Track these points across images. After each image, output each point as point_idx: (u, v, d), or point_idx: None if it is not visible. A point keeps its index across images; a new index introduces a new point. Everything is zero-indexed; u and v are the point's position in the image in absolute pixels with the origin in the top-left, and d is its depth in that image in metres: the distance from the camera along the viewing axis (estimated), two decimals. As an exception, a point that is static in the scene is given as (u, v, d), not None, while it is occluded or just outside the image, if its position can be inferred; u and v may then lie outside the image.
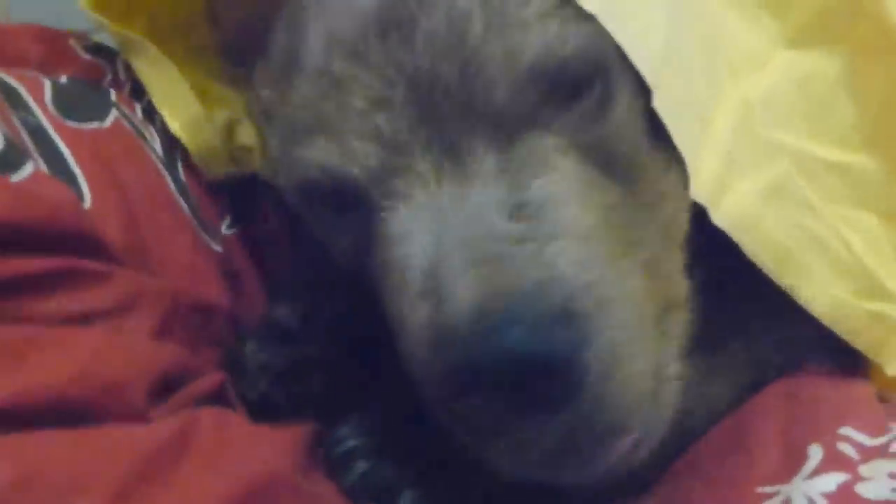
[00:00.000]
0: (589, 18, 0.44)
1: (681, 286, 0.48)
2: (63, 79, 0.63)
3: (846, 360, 0.53)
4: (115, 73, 0.69)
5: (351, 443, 0.50)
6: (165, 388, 0.47)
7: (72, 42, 0.69)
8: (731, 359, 0.54)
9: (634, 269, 0.44)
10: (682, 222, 0.49)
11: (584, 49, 0.44)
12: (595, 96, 0.45)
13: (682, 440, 0.51)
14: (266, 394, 0.53)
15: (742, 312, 0.52)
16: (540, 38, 0.43)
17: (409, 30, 0.44)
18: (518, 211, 0.42)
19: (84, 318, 0.46)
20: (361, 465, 0.49)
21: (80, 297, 0.46)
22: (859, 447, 0.47)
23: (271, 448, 0.48)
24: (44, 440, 0.40)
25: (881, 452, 0.46)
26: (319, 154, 0.46)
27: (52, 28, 0.70)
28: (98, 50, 0.69)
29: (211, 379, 0.51)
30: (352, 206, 0.47)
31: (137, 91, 0.67)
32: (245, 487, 0.43)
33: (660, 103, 0.45)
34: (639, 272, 0.44)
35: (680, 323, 0.47)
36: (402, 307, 0.44)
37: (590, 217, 0.43)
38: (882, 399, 0.52)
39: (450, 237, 0.42)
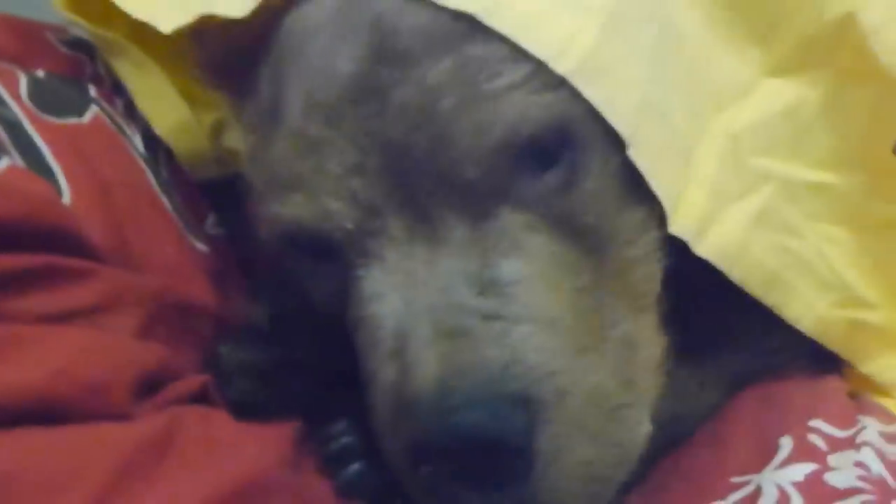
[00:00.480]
0: (562, 83, 0.45)
1: (654, 350, 0.49)
2: (40, 73, 0.63)
3: (825, 364, 0.55)
4: (95, 68, 0.68)
5: (345, 440, 0.51)
6: (148, 387, 0.47)
7: (49, 35, 0.68)
8: (724, 366, 0.55)
9: (602, 356, 0.46)
10: (655, 283, 0.50)
11: (553, 120, 0.45)
12: (564, 165, 0.46)
13: (672, 443, 0.53)
14: (246, 394, 0.53)
15: (728, 322, 0.54)
16: (509, 112, 0.44)
17: (382, 100, 0.44)
18: (488, 287, 0.44)
19: (65, 317, 0.46)
20: (355, 467, 0.50)
21: (60, 295, 0.46)
22: (828, 438, 0.48)
23: (259, 445, 0.48)
24: (25, 438, 0.40)
25: (849, 443, 0.48)
26: (298, 211, 0.47)
27: (29, 20, 0.69)
28: (77, 44, 0.68)
29: (195, 380, 0.51)
30: (329, 258, 0.48)
31: (118, 86, 0.67)
32: (233, 484, 0.43)
33: (638, 154, 0.46)
34: (606, 358, 0.46)
35: (653, 386, 0.49)
36: (372, 363, 0.46)
37: (559, 303, 0.45)
38: (852, 395, 0.54)
39: (419, 303, 0.44)
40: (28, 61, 0.64)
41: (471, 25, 0.45)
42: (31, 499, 0.38)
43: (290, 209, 0.47)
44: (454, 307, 0.43)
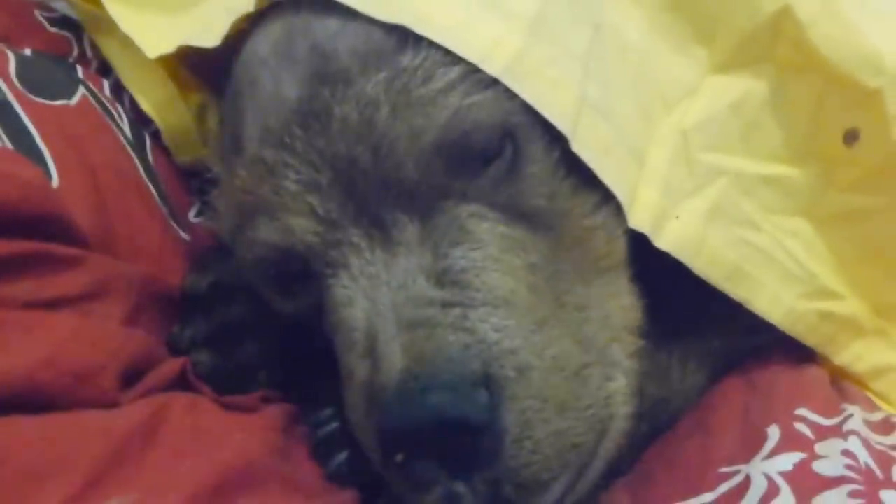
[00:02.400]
0: (495, 82, 0.47)
1: (610, 308, 0.50)
2: (27, 52, 0.62)
3: (803, 346, 0.55)
4: (82, 48, 0.67)
5: (333, 426, 0.52)
6: (134, 375, 0.47)
7: (37, 13, 0.67)
8: (706, 347, 0.56)
9: (559, 323, 0.47)
10: (619, 244, 0.51)
11: (487, 117, 0.47)
12: (506, 157, 0.48)
13: (659, 428, 0.54)
14: (207, 366, 0.54)
15: (707, 302, 0.54)
16: (442, 115, 0.46)
17: (326, 119, 0.47)
18: (443, 277, 0.46)
19: (53, 304, 0.46)
20: (342, 456, 0.51)
21: (49, 282, 0.46)
22: (815, 427, 0.49)
23: (246, 433, 0.48)
24: (15, 424, 0.40)
25: (836, 431, 0.48)
26: (264, 234, 0.49)
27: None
28: (64, 23, 0.68)
29: (174, 363, 0.52)
30: (299, 281, 0.50)
31: (105, 67, 0.66)
32: (221, 472, 0.43)
33: (581, 146, 0.47)
34: (564, 324, 0.47)
35: (615, 341, 0.50)
36: (348, 365, 0.48)
37: (512, 282, 0.46)
38: (834, 382, 0.55)
39: (383, 301, 0.46)
40: (16, 39, 0.63)
41: (402, 39, 0.47)
42: (21, 484, 0.38)
43: (258, 233, 0.50)
44: (414, 300, 0.45)
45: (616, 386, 0.48)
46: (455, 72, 0.47)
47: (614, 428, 0.48)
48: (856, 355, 0.55)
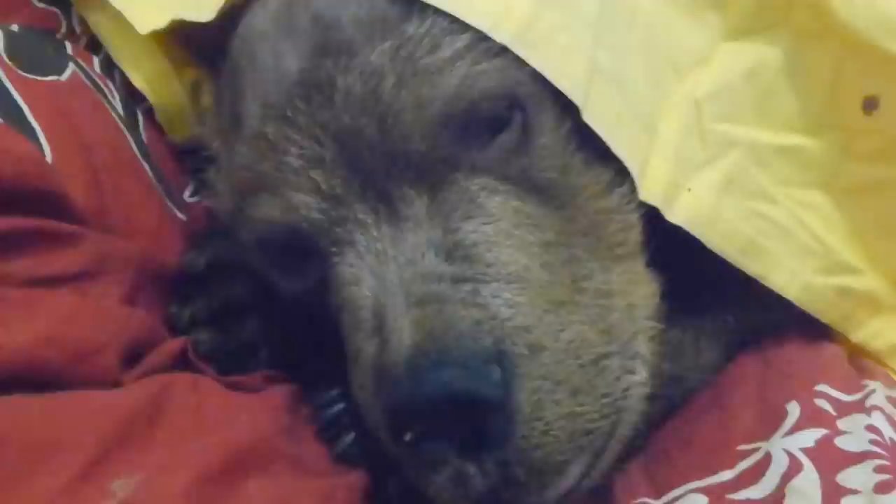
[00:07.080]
0: (503, 50, 0.45)
1: (635, 297, 0.49)
2: (14, 27, 0.60)
3: (818, 322, 0.54)
4: (70, 24, 0.66)
5: (339, 406, 0.51)
6: (135, 354, 0.46)
7: (24, -12, 0.65)
8: (720, 324, 0.55)
9: (578, 308, 0.46)
10: (635, 231, 0.50)
11: (495, 86, 0.45)
12: (515, 128, 0.46)
13: (673, 405, 0.53)
14: (207, 344, 0.53)
15: (721, 279, 0.53)
16: (448, 84, 0.45)
17: (329, 91, 0.46)
18: (453, 252, 0.45)
19: (53, 281, 0.44)
20: (349, 437, 0.51)
21: (48, 259, 0.45)
22: (836, 403, 0.48)
23: (251, 412, 0.47)
24: (17, 402, 0.39)
25: (858, 407, 0.48)
26: (266, 212, 0.48)
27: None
28: (52, -3, 0.66)
29: (175, 342, 0.50)
30: (303, 259, 0.49)
31: (94, 44, 0.64)
32: (227, 451, 0.42)
33: (592, 117, 0.46)
34: (583, 310, 0.46)
35: (637, 333, 0.48)
36: (355, 343, 0.46)
37: (525, 258, 0.45)
38: (851, 359, 0.54)
39: (392, 278, 0.45)
40: (2, 14, 0.61)
41: (407, 6, 0.46)
42: (24, 463, 0.37)
43: (259, 211, 0.48)
44: (423, 276, 0.44)
45: (636, 379, 0.47)
46: (462, 40, 0.45)
47: (629, 416, 0.47)
48: (874, 332, 0.54)
